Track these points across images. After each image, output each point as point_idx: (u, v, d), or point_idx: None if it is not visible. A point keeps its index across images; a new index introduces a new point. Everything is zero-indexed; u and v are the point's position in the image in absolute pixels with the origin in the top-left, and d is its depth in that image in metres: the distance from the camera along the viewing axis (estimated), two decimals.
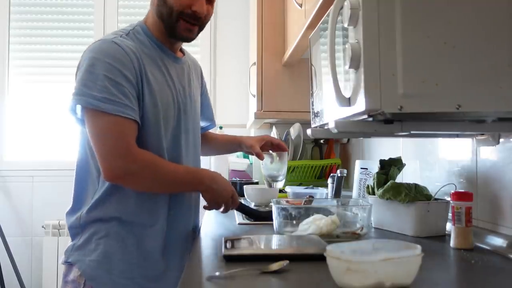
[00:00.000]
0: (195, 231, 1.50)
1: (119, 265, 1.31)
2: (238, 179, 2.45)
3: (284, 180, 1.72)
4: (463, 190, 1.21)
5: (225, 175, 2.36)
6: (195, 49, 3.10)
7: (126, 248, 1.33)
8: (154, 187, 1.34)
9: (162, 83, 1.36)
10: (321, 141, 2.83)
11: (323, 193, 2.00)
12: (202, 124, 1.69)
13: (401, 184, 1.34)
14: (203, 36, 2.99)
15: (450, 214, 1.19)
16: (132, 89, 1.27)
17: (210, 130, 1.81)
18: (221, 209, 1.43)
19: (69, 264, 1.33)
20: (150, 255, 1.35)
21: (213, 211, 1.72)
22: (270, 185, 1.75)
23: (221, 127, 2.91)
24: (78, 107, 1.28)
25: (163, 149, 1.36)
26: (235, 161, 2.83)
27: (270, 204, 1.70)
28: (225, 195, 1.40)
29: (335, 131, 1.05)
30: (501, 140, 1.20)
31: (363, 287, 0.74)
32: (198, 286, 0.84)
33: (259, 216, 1.57)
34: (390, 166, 1.47)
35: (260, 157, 1.61)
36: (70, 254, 1.34)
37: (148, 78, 1.32)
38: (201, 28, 1.41)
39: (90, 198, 1.34)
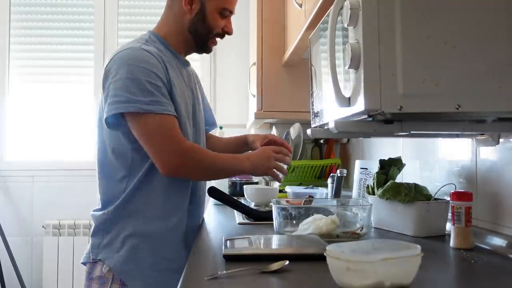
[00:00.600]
0: (201, 224, 1.58)
1: (147, 259, 1.39)
2: (238, 179, 2.44)
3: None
4: (463, 190, 1.21)
5: None
6: None
7: (152, 242, 1.40)
8: (206, 175, 1.48)
9: (181, 85, 1.47)
10: (321, 141, 2.84)
11: (323, 193, 2.00)
12: (207, 127, 1.77)
13: (401, 184, 1.34)
14: None
15: (450, 214, 1.19)
16: (166, 89, 1.39)
17: (210, 132, 1.86)
18: (281, 171, 1.49)
19: (93, 262, 1.41)
20: (174, 248, 1.43)
21: (214, 210, 1.73)
22: (267, 183, 1.75)
23: (221, 127, 2.91)
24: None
25: None
26: None
27: (270, 204, 1.70)
28: (265, 161, 1.45)
29: (335, 131, 1.05)
30: (501, 140, 1.20)
31: (363, 287, 0.74)
32: (198, 286, 0.84)
33: (259, 216, 1.57)
34: (390, 166, 1.47)
35: None
36: (98, 252, 1.41)
37: (172, 81, 1.42)
38: None
39: (116, 197, 1.41)
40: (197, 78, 1.72)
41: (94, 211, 1.47)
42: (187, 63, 1.59)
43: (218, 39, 1.56)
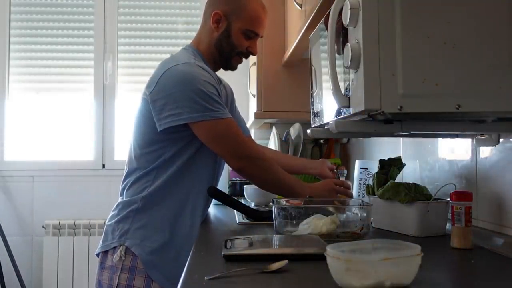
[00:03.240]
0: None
1: (170, 252, 1.49)
2: (238, 179, 2.44)
3: None
4: (463, 190, 1.21)
5: (225, 174, 2.36)
6: None
7: (176, 237, 1.50)
8: (266, 185, 1.57)
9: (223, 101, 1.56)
10: (321, 141, 2.83)
11: None
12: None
13: (401, 184, 1.34)
14: None
15: (450, 214, 1.19)
16: (223, 102, 1.50)
17: None
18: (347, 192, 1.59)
19: (104, 252, 1.50)
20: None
21: (214, 210, 1.74)
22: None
23: None
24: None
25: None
26: None
27: (270, 204, 1.70)
28: (327, 193, 1.55)
29: (335, 131, 1.05)
30: (501, 140, 1.20)
31: (363, 287, 0.74)
32: (198, 286, 0.84)
33: (259, 216, 1.57)
34: (390, 166, 1.47)
35: None
36: (126, 238, 1.48)
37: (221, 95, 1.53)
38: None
39: (146, 188, 1.50)
40: (231, 92, 1.81)
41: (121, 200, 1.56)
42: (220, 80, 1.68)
43: (243, 59, 1.65)
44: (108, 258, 1.48)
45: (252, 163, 1.49)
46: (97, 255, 1.54)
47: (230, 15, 1.57)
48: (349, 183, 1.65)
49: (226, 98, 1.65)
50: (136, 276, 1.44)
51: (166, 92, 1.43)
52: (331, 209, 1.32)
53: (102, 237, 1.55)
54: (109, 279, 1.46)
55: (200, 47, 1.62)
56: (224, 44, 1.59)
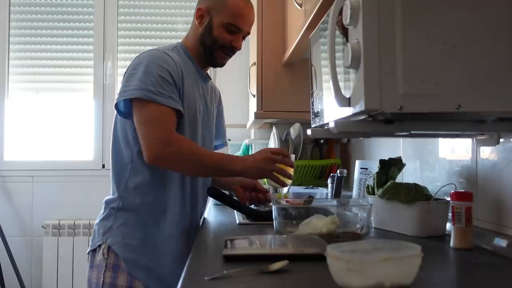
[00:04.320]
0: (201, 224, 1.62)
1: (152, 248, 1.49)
2: None
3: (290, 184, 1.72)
4: (463, 190, 1.21)
5: None
6: None
7: (157, 233, 1.50)
8: (191, 169, 1.48)
9: (192, 92, 1.55)
10: (321, 141, 2.83)
11: (323, 193, 2.00)
12: (214, 143, 1.80)
13: (401, 184, 1.34)
14: None
15: (450, 214, 1.19)
16: (176, 89, 1.47)
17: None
18: (282, 177, 1.47)
19: (92, 251, 1.51)
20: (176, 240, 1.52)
21: (214, 210, 1.73)
22: (275, 190, 1.75)
23: None
24: (122, 103, 1.45)
25: None
26: None
27: (270, 204, 1.70)
28: (263, 164, 1.44)
29: (335, 131, 1.05)
30: (501, 140, 1.20)
31: (363, 287, 0.74)
32: (198, 286, 0.84)
33: (259, 216, 1.57)
34: (390, 166, 1.47)
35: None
36: (109, 235, 1.48)
37: (184, 85, 1.51)
38: (231, 57, 1.66)
39: (123, 184, 1.51)
40: (218, 96, 1.80)
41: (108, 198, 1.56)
42: (206, 79, 1.67)
43: (227, 55, 1.62)
44: (96, 256, 1.50)
45: (172, 150, 1.40)
46: (88, 254, 1.55)
47: (212, 10, 1.58)
48: (287, 152, 1.57)
49: (201, 94, 1.61)
50: (120, 274, 1.45)
51: (127, 73, 1.48)
52: (331, 209, 1.32)
53: None
54: (97, 277, 1.47)
55: (187, 44, 1.64)
56: (207, 39, 1.59)
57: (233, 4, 1.58)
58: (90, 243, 1.54)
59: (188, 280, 0.89)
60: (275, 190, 1.61)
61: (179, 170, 1.49)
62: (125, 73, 1.50)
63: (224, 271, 0.88)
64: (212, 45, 1.59)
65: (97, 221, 1.55)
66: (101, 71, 3.30)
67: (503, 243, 1.13)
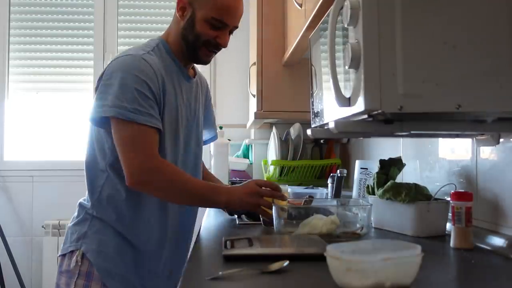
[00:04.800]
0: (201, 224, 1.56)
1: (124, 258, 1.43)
2: (238, 179, 2.45)
3: None
4: (463, 190, 1.21)
5: (225, 175, 2.36)
6: None
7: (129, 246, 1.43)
8: (173, 197, 1.41)
9: (174, 99, 1.45)
10: (321, 141, 2.83)
11: (323, 193, 2.00)
12: (204, 137, 1.74)
13: (401, 184, 1.34)
14: None
15: (450, 214, 1.19)
16: (156, 102, 1.37)
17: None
18: (268, 214, 1.38)
19: (63, 256, 1.43)
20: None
21: (214, 210, 1.72)
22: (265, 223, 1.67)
23: (221, 127, 2.91)
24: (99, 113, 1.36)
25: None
26: (235, 161, 2.84)
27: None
28: (248, 197, 1.37)
29: (335, 131, 1.05)
30: (501, 140, 1.20)
31: (363, 287, 0.74)
32: (198, 286, 0.84)
33: (259, 216, 1.56)
34: (390, 166, 1.47)
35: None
36: (83, 242, 1.41)
37: (166, 94, 1.41)
38: (216, 54, 1.52)
39: (95, 191, 1.44)
40: (204, 88, 1.68)
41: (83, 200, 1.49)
42: (190, 78, 1.54)
43: (212, 52, 1.48)
44: (65, 262, 1.42)
45: (154, 178, 1.33)
46: (58, 257, 1.47)
47: (194, 2, 1.43)
48: (277, 184, 1.44)
49: (183, 98, 1.50)
50: (92, 282, 1.38)
51: (102, 82, 1.37)
52: (331, 209, 1.32)
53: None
54: (66, 284, 1.40)
55: (169, 39, 1.50)
56: (189, 34, 1.44)
57: None
58: (62, 247, 1.46)
59: (188, 280, 0.89)
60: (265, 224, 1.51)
61: (161, 197, 1.41)
62: (99, 79, 1.40)
63: (224, 271, 0.88)
64: (195, 41, 1.44)
65: (70, 224, 1.47)
66: (101, 71, 3.27)
67: (503, 243, 1.13)
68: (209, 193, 1.39)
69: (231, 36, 1.50)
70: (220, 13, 1.42)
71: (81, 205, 1.48)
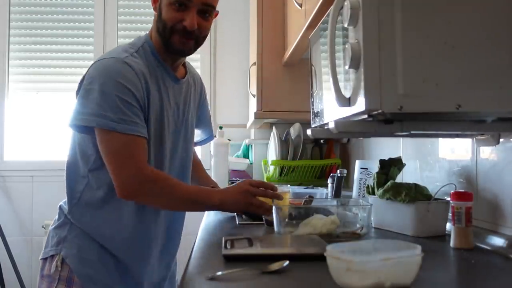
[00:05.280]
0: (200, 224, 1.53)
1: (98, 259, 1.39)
2: (238, 179, 2.44)
3: None
4: (463, 190, 1.21)
5: (225, 175, 2.36)
6: None
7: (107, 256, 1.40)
8: (167, 206, 1.40)
9: (159, 103, 1.39)
10: (321, 141, 2.83)
11: (323, 193, 2.00)
12: (199, 138, 1.71)
13: (401, 184, 1.34)
14: None
15: (450, 214, 1.19)
16: (140, 108, 1.32)
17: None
18: (262, 212, 1.38)
19: (44, 260, 1.43)
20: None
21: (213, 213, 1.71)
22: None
23: (221, 127, 2.91)
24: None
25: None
26: (235, 161, 2.84)
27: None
28: (241, 196, 1.35)
29: (335, 131, 1.05)
30: (501, 140, 1.20)
31: (363, 287, 0.74)
32: (198, 286, 0.84)
33: (259, 216, 1.56)
34: (390, 166, 1.47)
35: None
36: (63, 246, 1.38)
37: (150, 98, 1.35)
38: (197, 42, 1.39)
39: (75, 196, 1.42)
40: (198, 86, 1.62)
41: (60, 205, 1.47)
42: (178, 79, 1.47)
43: (186, 38, 1.36)
44: (46, 266, 1.40)
45: (146, 187, 1.30)
46: (40, 260, 1.45)
47: None
48: (272, 184, 1.43)
49: (170, 101, 1.43)
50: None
51: (83, 86, 1.31)
52: (331, 209, 1.32)
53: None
54: None
55: (152, 36, 1.43)
56: (159, 24, 1.36)
57: None
58: (43, 250, 1.43)
59: (188, 280, 0.89)
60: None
61: (154, 205, 1.39)
62: (81, 81, 1.33)
63: (224, 271, 0.88)
64: (164, 30, 1.35)
65: (51, 227, 1.44)
66: None
67: (503, 243, 1.13)
68: (202, 196, 1.36)
69: (210, 21, 1.39)
70: None
71: (61, 208, 1.44)
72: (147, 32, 1.47)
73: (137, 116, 1.30)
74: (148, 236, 1.44)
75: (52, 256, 1.39)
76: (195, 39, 1.38)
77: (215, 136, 2.60)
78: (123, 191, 1.30)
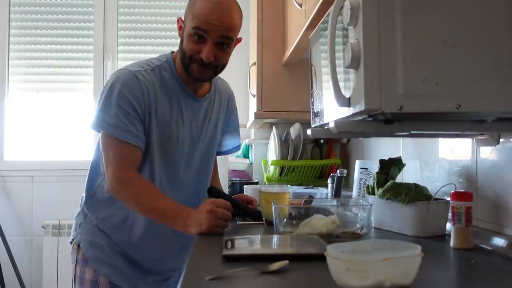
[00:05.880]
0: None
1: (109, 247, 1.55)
2: (238, 179, 2.44)
3: None
4: (463, 190, 1.21)
5: (225, 175, 2.35)
6: None
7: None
8: (140, 209, 1.47)
9: (168, 118, 1.48)
10: (321, 141, 2.83)
11: (323, 193, 2.00)
12: (225, 148, 1.77)
13: (401, 184, 1.34)
14: None
15: (450, 214, 1.19)
16: (139, 118, 1.43)
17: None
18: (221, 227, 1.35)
19: (70, 243, 1.60)
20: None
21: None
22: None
23: None
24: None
25: (155, 179, 1.49)
26: (235, 161, 2.83)
27: None
28: (202, 217, 1.32)
29: (335, 131, 1.05)
30: (501, 140, 1.20)
31: (363, 287, 0.74)
32: (198, 286, 0.84)
33: (259, 216, 1.56)
34: (390, 166, 1.47)
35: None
36: (78, 232, 1.57)
37: (157, 112, 1.45)
38: (216, 71, 1.48)
39: (92, 192, 1.57)
40: (223, 104, 1.66)
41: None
42: (197, 98, 1.53)
43: (203, 68, 1.43)
44: (70, 249, 1.59)
45: (124, 190, 1.44)
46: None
47: (185, 18, 1.44)
48: (230, 205, 1.38)
49: (184, 117, 1.50)
50: (87, 268, 1.51)
51: (102, 92, 1.47)
52: (331, 209, 1.32)
53: None
54: (73, 270, 1.56)
55: (176, 58, 1.51)
56: (181, 52, 1.45)
57: (199, 5, 1.39)
58: None
59: (188, 280, 0.89)
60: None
61: (131, 207, 1.48)
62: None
63: (224, 271, 0.88)
64: (183, 58, 1.43)
65: (75, 214, 1.62)
66: (101, 71, 3.29)
67: (503, 243, 1.13)
68: (171, 213, 1.38)
69: (229, 52, 1.46)
70: (198, 20, 1.37)
71: (82, 199, 1.60)
72: (173, 51, 1.56)
73: (133, 125, 1.41)
74: (156, 237, 1.53)
75: (73, 240, 1.58)
76: (213, 68, 1.45)
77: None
78: (107, 186, 1.45)
